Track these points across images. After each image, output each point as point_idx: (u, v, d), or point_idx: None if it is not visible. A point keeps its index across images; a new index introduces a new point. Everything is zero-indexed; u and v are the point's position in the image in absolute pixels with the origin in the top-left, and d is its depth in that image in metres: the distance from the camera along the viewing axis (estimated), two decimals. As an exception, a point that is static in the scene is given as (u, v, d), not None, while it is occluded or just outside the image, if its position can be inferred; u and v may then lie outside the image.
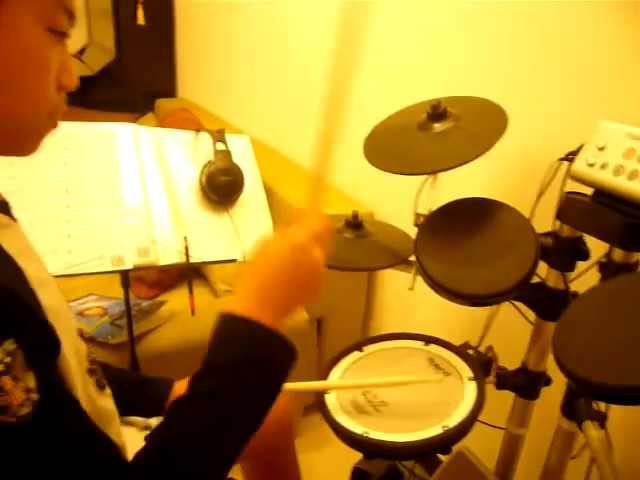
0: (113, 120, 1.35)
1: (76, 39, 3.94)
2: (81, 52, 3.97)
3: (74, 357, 0.64)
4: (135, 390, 1.02)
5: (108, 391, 0.75)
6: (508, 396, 1.18)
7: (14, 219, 0.67)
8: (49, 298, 0.60)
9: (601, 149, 0.92)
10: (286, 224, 0.73)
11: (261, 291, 0.69)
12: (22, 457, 0.54)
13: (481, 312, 1.19)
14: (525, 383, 1.15)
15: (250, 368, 0.65)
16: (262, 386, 0.67)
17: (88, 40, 4.03)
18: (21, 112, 0.60)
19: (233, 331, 0.67)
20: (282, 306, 0.69)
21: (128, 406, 0.97)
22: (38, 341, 0.57)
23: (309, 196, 0.76)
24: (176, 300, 1.77)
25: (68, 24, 0.62)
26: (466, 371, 1.04)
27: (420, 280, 1.07)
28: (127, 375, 1.12)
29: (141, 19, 3.31)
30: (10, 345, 0.53)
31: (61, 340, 0.60)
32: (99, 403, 0.70)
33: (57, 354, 0.60)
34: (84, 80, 3.55)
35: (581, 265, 1.05)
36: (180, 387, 1.04)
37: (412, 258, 1.09)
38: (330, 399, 1.00)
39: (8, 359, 0.52)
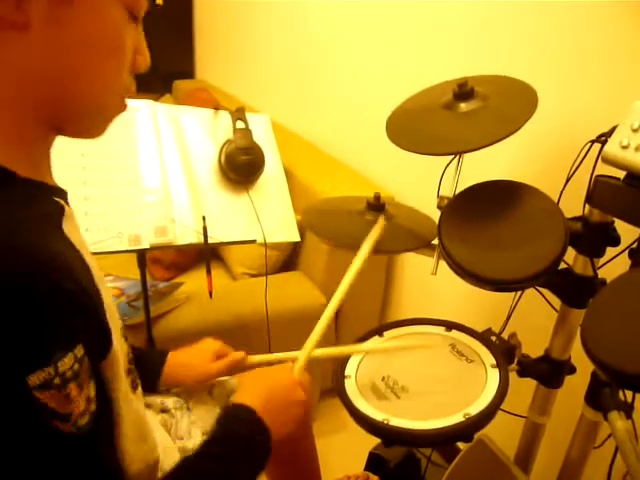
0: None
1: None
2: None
3: (121, 355, 0.64)
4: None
5: (139, 390, 0.74)
6: (530, 384, 1.16)
7: (71, 209, 0.65)
8: (107, 295, 0.60)
9: (635, 130, 0.89)
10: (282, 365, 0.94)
11: (262, 402, 0.83)
12: (68, 469, 0.53)
13: (504, 298, 1.17)
14: (548, 371, 1.12)
15: (247, 444, 0.79)
16: (253, 460, 0.80)
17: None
18: (96, 91, 0.59)
19: (242, 414, 0.81)
20: (274, 422, 0.82)
21: None
22: (95, 342, 0.56)
23: (302, 358, 0.95)
24: (193, 282, 1.76)
25: (144, 7, 0.62)
26: (489, 358, 1.02)
27: (441, 265, 1.05)
28: (141, 352, 1.12)
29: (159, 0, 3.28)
30: (80, 351, 0.52)
31: (113, 337, 0.59)
32: (133, 404, 0.70)
33: (107, 353, 0.59)
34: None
35: (610, 251, 1.01)
36: (174, 357, 1.04)
37: (435, 242, 1.07)
38: (349, 384, 0.98)
39: (77, 366, 0.51)
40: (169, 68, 3.44)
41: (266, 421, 0.81)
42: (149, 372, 1.01)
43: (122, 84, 0.62)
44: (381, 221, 1.10)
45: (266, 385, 0.88)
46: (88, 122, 0.63)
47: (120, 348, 0.64)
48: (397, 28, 1.73)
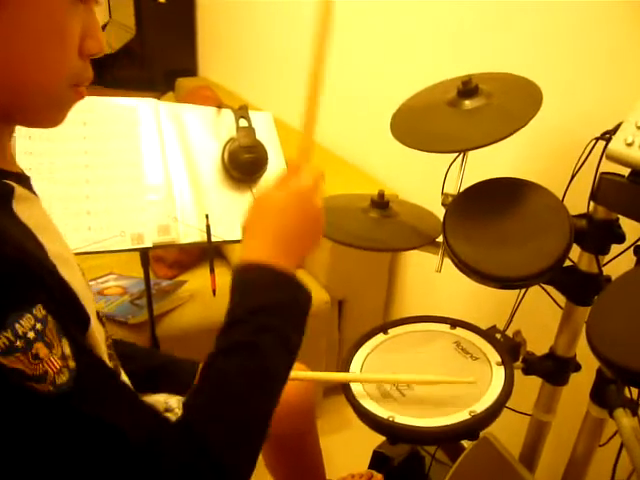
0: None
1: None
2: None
3: (99, 337, 0.63)
4: (163, 369, 1.02)
5: (123, 377, 0.74)
6: (535, 381, 1.15)
7: (34, 193, 0.65)
8: (70, 277, 0.59)
9: (640, 127, 0.88)
10: (282, 176, 0.76)
11: (273, 238, 0.71)
12: (54, 430, 0.52)
13: (508, 295, 1.16)
14: (553, 369, 1.12)
15: (276, 314, 0.67)
16: (290, 330, 0.68)
17: (108, 18, 4.01)
18: (38, 79, 0.57)
19: (256, 279, 0.68)
20: (293, 252, 0.71)
21: (155, 384, 0.97)
22: (68, 311, 0.55)
23: (300, 149, 0.79)
24: (196, 280, 1.76)
25: None
26: (494, 356, 1.01)
27: (445, 262, 1.04)
28: (154, 354, 1.12)
29: (162, -4, 3.28)
30: (39, 312, 0.51)
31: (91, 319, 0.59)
32: None
33: (87, 328, 0.59)
34: (104, 58, 3.53)
35: (615, 248, 1.01)
36: None
37: (440, 239, 1.06)
38: (355, 383, 0.98)
39: (39, 325, 0.51)
40: (171, 66, 3.44)
41: (285, 259, 0.69)
42: (181, 381, 1.00)
43: (70, 70, 0.59)
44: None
45: (272, 216, 0.72)
46: (37, 111, 0.61)
47: (98, 331, 0.63)
48: (401, 25, 1.72)
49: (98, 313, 0.69)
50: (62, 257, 0.59)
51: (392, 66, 1.78)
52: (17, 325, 0.50)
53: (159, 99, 1.34)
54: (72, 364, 0.53)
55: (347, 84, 2.01)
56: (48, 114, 0.62)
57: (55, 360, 0.52)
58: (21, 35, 0.54)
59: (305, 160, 0.78)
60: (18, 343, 0.50)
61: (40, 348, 0.51)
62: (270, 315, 0.66)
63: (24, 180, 0.64)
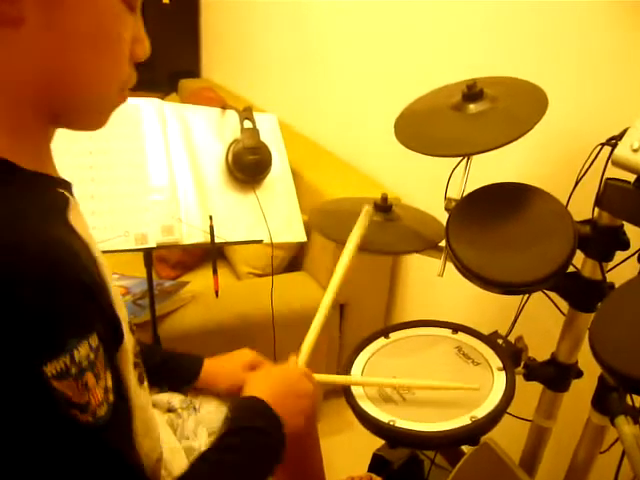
0: (136, 100, 1.32)
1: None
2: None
3: (130, 348, 0.64)
4: (166, 365, 1.03)
5: (145, 384, 0.74)
6: (536, 387, 1.15)
7: (76, 201, 0.65)
8: (113, 289, 0.59)
9: (647, 134, 0.88)
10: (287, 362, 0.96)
11: (270, 395, 0.85)
12: (85, 460, 0.53)
13: (511, 301, 1.16)
14: (555, 375, 1.11)
15: (263, 436, 0.80)
16: (270, 452, 0.81)
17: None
18: (93, 86, 0.58)
19: (256, 406, 0.83)
20: (284, 409, 0.84)
21: (159, 379, 0.97)
22: (109, 337, 0.56)
23: (305, 354, 0.98)
24: (199, 281, 1.76)
25: None
26: (495, 361, 1.01)
27: (447, 267, 1.04)
28: (158, 350, 1.12)
29: (166, -1, 3.29)
30: (94, 341, 0.51)
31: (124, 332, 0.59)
32: (142, 398, 0.69)
33: (120, 346, 0.59)
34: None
35: (619, 255, 1.01)
36: (208, 365, 1.04)
37: (442, 243, 1.06)
38: (355, 386, 0.98)
39: (92, 355, 0.51)
40: (175, 67, 3.44)
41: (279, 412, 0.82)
42: (183, 376, 1.02)
43: (122, 76, 0.60)
44: (367, 210, 1.10)
45: (273, 378, 0.90)
46: (88, 115, 0.62)
47: (129, 341, 0.64)
48: (406, 29, 1.72)
49: (129, 322, 0.69)
50: (104, 265, 0.60)
51: (396, 69, 1.78)
52: (75, 352, 0.50)
53: (163, 100, 1.34)
54: (111, 398, 0.54)
55: (351, 87, 2.01)
56: (98, 117, 0.63)
57: (99, 392, 0.52)
58: (77, 43, 0.55)
59: (304, 355, 0.97)
60: (73, 370, 0.50)
61: (89, 378, 0.51)
62: (257, 434, 0.80)
63: (70, 187, 0.64)
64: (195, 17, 3.44)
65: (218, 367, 1.04)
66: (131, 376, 0.63)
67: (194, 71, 3.52)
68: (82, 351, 0.50)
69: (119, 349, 0.59)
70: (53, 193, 0.59)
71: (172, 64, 3.45)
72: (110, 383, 0.53)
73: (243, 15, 2.83)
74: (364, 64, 1.93)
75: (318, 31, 2.17)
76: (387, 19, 1.79)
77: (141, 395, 0.69)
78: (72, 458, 0.52)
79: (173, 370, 1.03)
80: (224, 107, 1.35)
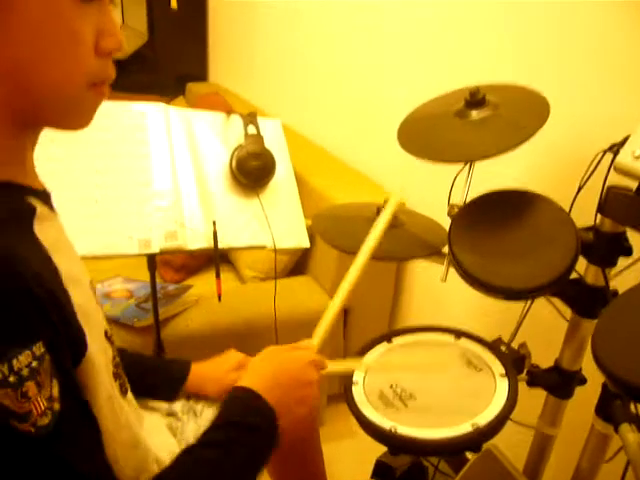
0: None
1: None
2: (114, 35, 4.00)
3: (101, 359, 0.63)
4: (153, 372, 1.01)
5: (130, 395, 0.74)
6: (540, 394, 1.15)
7: (54, 211, 0.64)
8: (80, 297, 0.59)
9: (649, 141, 0.88)
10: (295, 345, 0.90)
11: (270, 381, 0.80)
12: (27, 470, 0.52)
13: (514, 307, 1.16)
14: (558, 382, 1.11)
15: (251, 431, 0.75)
16: (257, 448, 0.76)
17: (121, 23, 4.05)
18: (52, 80, 0.57)
19: (247, 399, 0.78)
20: (282, 401, 0.79)
21: (148, 389, 0.97)
22: (66, 345, 0.55)
23: (320, 337, 0.93)
24: (202, 285, 1.77)
25: None
26: (498, 367, 1.01)
27: (450, 272, 1.04)
28: (145, 358, 1.12)
29: (174, 3, 3.31)
30: (39, 349, 0.51)
31: (89, 341, 0.58)
32: (125, 409, 0.69)
33: (82, 358, 0.58)
34: (116, 63, 3.56)
35: (622, 261, 1.01)
36: (197, 369, 1.03)
37: (445, 249, 1.06)
38: (357, 391, 0.98)
39: (35, 363, 0.50)
40: (182, 71, 3.46)
41: (274, 403, 0.77)
42: (170, 382, 1.00)
43: (88, 70, 0.58)
44: (394, 198, 1.06)
45: (276, 364, 0.84)
46: (61, 113, 0.60)
47: (102, 351, 0.63)
48: (410, 35, 1.72)
49: (106, 331, 0.68)
50: (75, 279, 0.59)
51: (401, 76, 1.79)
52: (14, 360, 0.49)
53: (169, 103, 1.34)
54: (57, 407, 0.52)
55: (357, 92, 2.01)
56: (71, 116, 0.61)
57: (42, 401, 0.51)
58: (29, 37, 0.54)
59: (317, 346, 0.92)
60: (11, 378, 0.49)
61: (30, 387, 0.50)
62: (245, 430, 0.75)
63: (45, 197, 0.63)
64: (203, 22, 3.47)
65: (206, 372, 1.02)
66: (102, 387, 0.62)
67: (201, 75, 3.54)
68: (23, 360, 0.49)
69: (82, 360, 0.58)
70: (17, 203, 0.58)
71: (180, 68, 3.47)
72: (56, 392, 0.52)
73: (250, 20, 2.84)
74: (369, 70, 1.93)
75: (323, 36, 2.18)
76: (392, 26, 1.79)
77: (124, 406, 0.69)
78: (13, 468, 0.51)
79: (159, 377, 1.01)
80: (229, 112, 1.36)
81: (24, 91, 0.56)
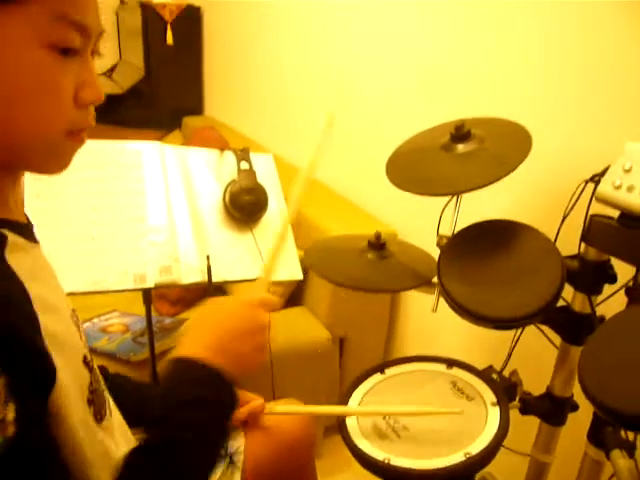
0: (141, 137, 1.36)
1: (107, 58, 4.03)
2: (111, 70, 4.06)
3: (74, 385, 0.63)
4: (150, 400, 1.00)
5: (106, 423, 0.72)
6: (534, 421, 1.16)
7: (35, 241, 0.66)
8: (56, 324, 0.59)
9: (627, 171, 0.91)
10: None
11: (212, 337, 0.72)
12: None
13: (505, 335, 1.17)
14: (551, 409, 1.12)
15: (199, 408, 0.67)
16: (210, 426, 0.69)
17: (119, 59, 4.12)
18: (31, 131, 0.58)
19: (184, 373, 0.70)
20: (230, 354, 0.71)
21: (140, 418, 0.97)
22: (29, 371, 0.54)
23: (268, 264, 0.85)
24: (198, 318, 1.77)
25: (82, 39, 0.59)
26: (490, 396, 1.02)
27: (443, 302, 1.06)
28: (142, 385, 1.12)
29: (170, 39, 3.38)
30: None
31: (60, 368, 0.58)
32: (99, 435, 0.69)
33: (51, 385, 0.58)
34: (114, 98, 3.63)
35: (608, 288, 1.02)
36: None
37: (435, 280, 1.08)
38: (351, 423, 0.99)
39: None
40: (179, 105, 3.51)
41: (220, 366, 0.69)
42: None
43: (67, 120, 0.60)
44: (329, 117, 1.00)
45: (217, 323, 0.74)
46: (37, 160, 0.62)
47: (76, 378, 0.63)
48: (398, 72, 1.77)
49: (85, 357, 0.69)
50: (51, 306, 0.60)
51: (390, 110, 1.83)
52: None
53: (166, 137, 1.37)
54: (11, 431, 0.51)
55: (347, 126, 2.05)
56: (49, 162, 0.63)
57: None
58: (10, 87, 0.55)
59: (266, 281, 0.83)
60: None
61: None
62: (192, 410, 0.67)
63: (23, 228, 0.64)
64: (198, 57, 3.53)
65: None
66: (74, 413, 0.62)
67: (197, 109, 3.59)
68: None
69: (52, 387, 0.58)
70: None
71: (176, 102, 3.52)
72: (11, 416, 0.51)
73: (244, 54, 2.90)
74: (362, 103, 1.97)
75: (317, 70, 2.23)
76: (383, 63, 1.84)
77: (99, 432, 0.68)
78: None
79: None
80: (222, 148, 1.39)
81: (3, 138, 0.57)
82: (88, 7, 0.59)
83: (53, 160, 0.63)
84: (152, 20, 3.37)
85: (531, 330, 1.12)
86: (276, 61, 2.56)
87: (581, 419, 1.09)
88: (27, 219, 0.69)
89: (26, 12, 0.54)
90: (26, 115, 0.57)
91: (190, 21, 3.44)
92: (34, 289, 0.58)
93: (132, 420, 0.83)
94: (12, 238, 0.60)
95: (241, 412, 1.03)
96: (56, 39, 0.56)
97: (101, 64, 4.07)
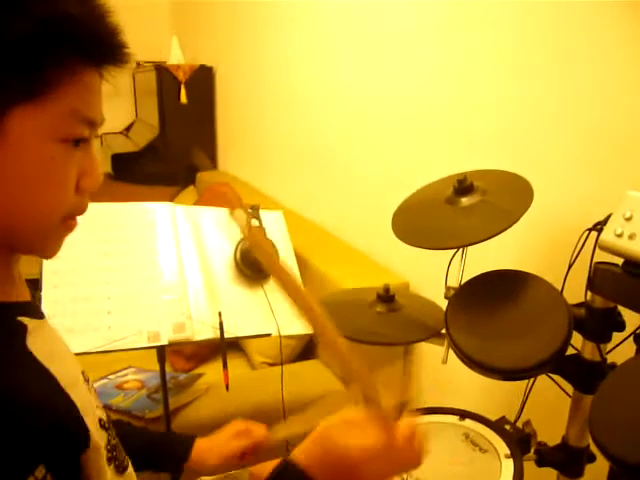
0: (157, 193, 1.41)
1: (123, 117, 4.17)
2: (128, 129, 4.19)
3: (102, 446, 0.64)
4: (156, 446, 1.03)
5: (128, 471, 0.73)
6: (552, 473, 1.14)
7: (42, 317, 0.66)
8: (79, 396, 0.60)
9: (628, 219, 0.92)
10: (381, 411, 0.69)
11: (330, 464, 0.68)
12: None
13: (518, 385, 1.17)
14: (567, 460, 1.10)
15: None
16: None
17: (135, 118, 4.25)
18: (34, 217, 0.60)
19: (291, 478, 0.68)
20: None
21: (151, 462, 0.98)
22: (67, 456, 0.56)
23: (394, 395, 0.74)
24: (213, 373, 1.78)
25: (91, 130, 0.61)
26: (503, 448, 1.01)
27: (453, 353, 1.06)
28: (150, 433, 1.12)
29: (184, 98, 3.50)
30: (40, 471, 0.52)
31: (91, 434, 0.60)
32: None
33: (82, 454, 0.59)
34: (130, 156, 3.74)
35: (619, 336, 1.02)
36: (201, 442, 1.04)
37: (444, 331, 1.09)
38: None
39: None
40: (192, 161, 3.60)
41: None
42: (175, 456, 1.02)
43: (66, 207, 0.61)
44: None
45: (360, 459, 0.67)
46: (37, 244, 0.63)
47: (99, 439, 0.64)
48: (400, 126, 1.82)
49: (101, 420, 0.71)
50: (72, 381, 0.61)
51: (397, 164, 1.87)
52: None
53: (181, 193, 1.42)
54: None
55: (354, 179, 2.10)
56: (41, 247, 0.64)
57: None
58: (20, 176, 0.57)
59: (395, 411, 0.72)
60: None
61: None
62: None
63: (31, 307, 0.65)
64: (211, 115, 3.65)
65: (207, 445, 1.03)
66: (104, 474, 0.63)
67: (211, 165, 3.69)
68: None
69: (86, 452, 0.59)
70: (9, 323, 0.60)
71: (190, 158, 3.61)
72: None
73: (255, 111, 2.99)
74: (366, 158, 2.02)
75: (330, 124, 2.29)
76: (385, 120, 1.89)
77: None
78: None
79: (165, 449, 1.03)
80: (233, 207, 1.43)
81: (11, 224, 0.59)
82: (97, 103, 0.61)
83: (46, 246, 0.64)
84: (166, 80, 3.50)
85: (544, 379, 1.11)
86: (287, 115, 2.64)
87: (600, 469, 1.07)
88: (31, 294, 0.69)
89: (42, 109, 0.56)
90: (31, 203, 0.59)
91: (203, 80, 3.58)
92: (56, 370, 0.59)
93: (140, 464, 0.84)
94: (31, 324, 0.61)
95: (244, 440, 1.05)
96: (68, 133, 0.59)
97: (118, 123, 4.22)
